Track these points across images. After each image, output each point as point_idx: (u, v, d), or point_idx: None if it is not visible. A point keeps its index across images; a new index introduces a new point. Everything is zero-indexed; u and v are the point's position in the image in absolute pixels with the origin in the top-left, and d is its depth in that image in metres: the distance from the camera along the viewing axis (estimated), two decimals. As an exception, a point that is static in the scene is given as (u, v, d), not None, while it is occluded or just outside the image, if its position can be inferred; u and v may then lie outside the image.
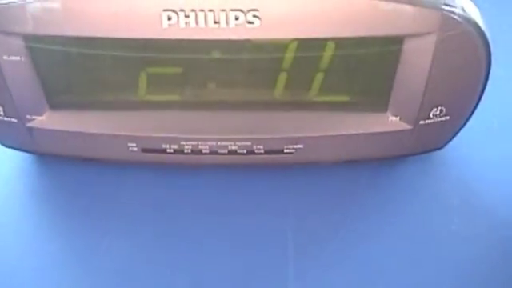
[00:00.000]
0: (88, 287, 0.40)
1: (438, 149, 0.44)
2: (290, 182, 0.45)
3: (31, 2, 0.35)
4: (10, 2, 0.35)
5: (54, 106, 0.41)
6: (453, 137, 0.43)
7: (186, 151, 0.42)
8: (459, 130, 0.42)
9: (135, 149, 0.42)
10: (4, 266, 0.41)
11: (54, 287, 0.40)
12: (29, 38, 0.37)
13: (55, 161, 0.46)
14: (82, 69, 0.40)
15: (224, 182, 0.45)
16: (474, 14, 0.36)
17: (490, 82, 0.39)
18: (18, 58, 0.37)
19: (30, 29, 0.36)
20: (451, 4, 0.35)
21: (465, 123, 0.42)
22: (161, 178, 0.45)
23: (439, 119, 0.40)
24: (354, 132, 0.41)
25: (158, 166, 0.44)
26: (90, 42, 0.38)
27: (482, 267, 0.40)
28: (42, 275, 0.40)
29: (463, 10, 0.35)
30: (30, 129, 0.41)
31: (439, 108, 0.40)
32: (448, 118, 0.40)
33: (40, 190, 0.45)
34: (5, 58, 0.37)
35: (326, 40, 0.37)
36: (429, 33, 0.36)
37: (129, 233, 0.42)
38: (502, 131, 0.48)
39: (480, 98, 0.40)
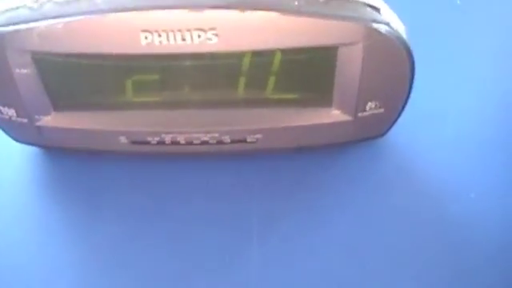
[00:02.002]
0: (88, 264, 0.43)
1: (380, 136, 0.47)
2: (255, 167, 0.48)
3: (37, 27, 0.38)
4: (19, 23, 0.38)
5: (58, 107, 0.44)
6: (391, 126, 0.46)
7: (166, 142, 0.45)
8: (395, 119, 0.46)
9: (125, 141, 0.45)
10: (11, 247, 0.44)
11: (58, 266, 0.43)
12: (35, 54, 0.40)
13: (60, 153, 0.48)
14: (80, 77, 0.43)
15: (199, 169, 0.48)
16: (398, 26, 0.41)
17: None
18: (27, 70, 0.40)
19: (36, 46, 0.39)
20: (377, 19, 0.39)
21: (399, 114, 0.45)
22: (147, 166, 0.48)
23: (375, 111, 0.44)
24: (304, 124, 0.45)
25: (145, 155, 0.47)
26: (85, 56, 0.40)
27: (422, 241, 0.44)
28: (47, 256, 0.43)
29: (388, 24, 0.39)
30: (38, 127, 0.44)
31: (374, 102, 0.43)
32: (383, 110, 0.44)
33: (47, 179, 0.48)
34: (17, 70, 0.40)
35: (273, 50, 0.41)
36: (357, 42, 0.39)
37: (122, 212, 0.45)
38: (438, 118, 0.51)
39: (409, 94, 0.43)
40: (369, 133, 0.47)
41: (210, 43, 0.39)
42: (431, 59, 0.44)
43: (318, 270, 0.42)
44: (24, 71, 0.41)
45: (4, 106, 0.43)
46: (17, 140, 0.47)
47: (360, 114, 0.44)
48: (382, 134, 0.48)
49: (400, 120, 0.46)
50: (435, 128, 0.50)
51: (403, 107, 0.45)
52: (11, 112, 0.44)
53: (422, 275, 0.42)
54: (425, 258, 0.43)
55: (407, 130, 0.49)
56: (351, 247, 0.43)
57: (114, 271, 0.43)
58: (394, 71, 0.42)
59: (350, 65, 0.41)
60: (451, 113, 0.52)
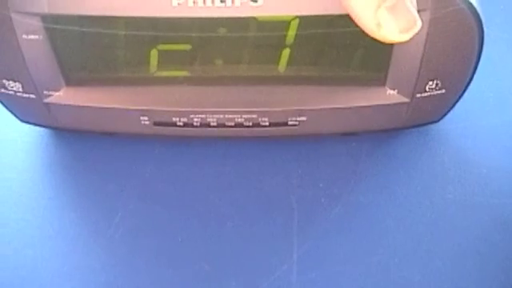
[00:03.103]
0: (100, 256, 0.41)
1: (435, 121, 0.44)
2: (295, 153, 0.45)
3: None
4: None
5: (70, 82, 0.41)
6: (449, 110, 0.43)
7: (195, 124, 0.42)
8: (455, 103, 0.43)
9: (147, 122, 0.42)
10: (21, 234, 0.42)
11: (67, 256, 0.41)
12: (46, 18, 0.37)
13: (71, 135, 0.46)
14: (97, 47, 0.40)
15: (232, 154, 0.45)
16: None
17: (485, 56, 0.39)
18: (36, 36, 0.38)
19: (47, 9, 0.36)
20: (445, -17, 0.36)
21: (460, 96, 0.42)
22: (171, 151, 0.45)
23: (435, 92, 0.41)
24: (354, 105, 0.41)
25: (169, 138, 0.45)
26: (104, 21, 0.38)
27: (477, 234, 0.41)
28: (57, 244, 0.41)
29: (460, -9, 0.36)
30: (47, 104, 0.42)
31: (435, 81, 0.40)
32: (443, 91, 0.41)
33: (57, 163, 0.46)
34: (24, 36, 0.37)
35: (326, 17, 0.37)
36: (423, 10, 0.36)
37: (140, 202, 0.43)
38: (496, 104, 0.48)
39: (474, 73, 0.40)
40: (424, 117, 0.44)
41: (254, 6, 0.35)
42: (494, 38, 0.41)
43: (360, 264, 0.41)
44: (32, 38, 0.38)
45: (8, 80, 0.41)
46: (23, 120, 0.45)
47: (418, 95, 0.41)
48: (437, 120, 0.45)
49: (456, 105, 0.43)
50: (494, 115, 0.48)
51: (465, 89, 0.42)
52: (17, 86, 0.41)
53: (474, 273, 0.40)
54: (481, 257, 0.41)
55: (463, 116, 0.47)
56: (395, 240, 0.41)
57: (128, 260, 0.41)
58: (460, 46, 0.38)
59: (413, 36, 0.36)
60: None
